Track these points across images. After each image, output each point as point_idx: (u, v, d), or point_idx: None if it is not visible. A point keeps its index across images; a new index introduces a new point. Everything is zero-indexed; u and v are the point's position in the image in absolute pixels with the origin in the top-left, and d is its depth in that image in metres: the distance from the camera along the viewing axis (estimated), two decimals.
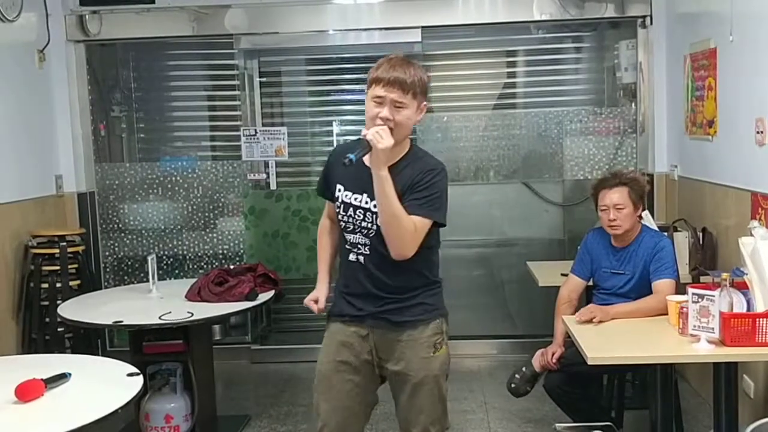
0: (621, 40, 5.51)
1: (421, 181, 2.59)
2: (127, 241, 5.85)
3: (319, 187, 2.86)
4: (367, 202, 2.63)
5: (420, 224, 2.56)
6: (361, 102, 5.78)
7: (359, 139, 2.54)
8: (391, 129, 2.51)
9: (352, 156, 2.44)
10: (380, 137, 2.46)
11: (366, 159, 2.57)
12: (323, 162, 2.89)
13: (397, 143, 2.55)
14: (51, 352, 4.69)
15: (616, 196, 3.59)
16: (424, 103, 2.64)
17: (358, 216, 2.65)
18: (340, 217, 2.71)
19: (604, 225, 3.66)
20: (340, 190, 2.69)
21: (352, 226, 2.67)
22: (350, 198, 2.67)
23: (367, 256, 2.67)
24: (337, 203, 2.70)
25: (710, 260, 4.32)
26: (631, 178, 3.66)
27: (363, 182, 2.61)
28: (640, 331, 3.18)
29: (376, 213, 2.61)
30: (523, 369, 3.78)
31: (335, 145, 2.92)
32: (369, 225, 2.64)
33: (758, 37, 3.70)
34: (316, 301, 2.83)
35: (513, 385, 3.80)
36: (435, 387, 2.72)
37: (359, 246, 2.68)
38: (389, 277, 2.66)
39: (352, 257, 2.70)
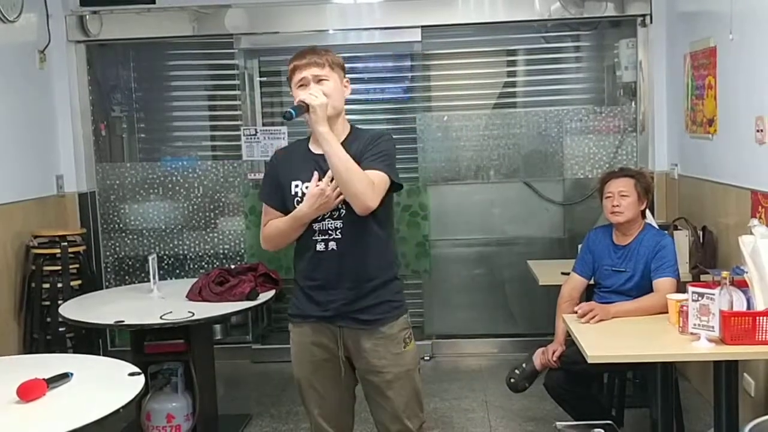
0: (621, 39, 5.51)
1: (369, 145, 2.66)
2: (128, 241, 5.86)
3: (267, 194, 2.80)
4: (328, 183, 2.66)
5: (377, 178, 2.59)
6: (362, 101, 5.86)
7: (294, 107, 2.59)
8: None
9: (291, 110, 2.55)
10: (314, 96, 2.57)
11: (312, 147, 2.71)
12: None
13: (333, 118, 2.63)
14: (52, 352, 4.69)
15: (621, 184, 3.63)
16: (346, 79, 2.75)
17: None
18: None
19: (606, 213, 3.67)
20: (297, 186, 2.70)
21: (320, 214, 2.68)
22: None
23: (339, 240, 2.67)
24: (297, 199, 2.69)
25: (710, 259, 4.32)
26: (638, 172, 3.77)
27: (318, 167, 2.66)
28: (641, 329, 3.19)
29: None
30: (524, 365, 3.79)
31: (274, 152, 2.94)
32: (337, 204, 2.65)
33: (758, 36, 3.70)
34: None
35: (512, 380, 3.81)
36: (408, 381, 2.77)
37: (330, 231, 2.68)
38: (363, 258, 2.68)
39: (320, 247, 2.70)
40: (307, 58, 2.67)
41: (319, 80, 2.65)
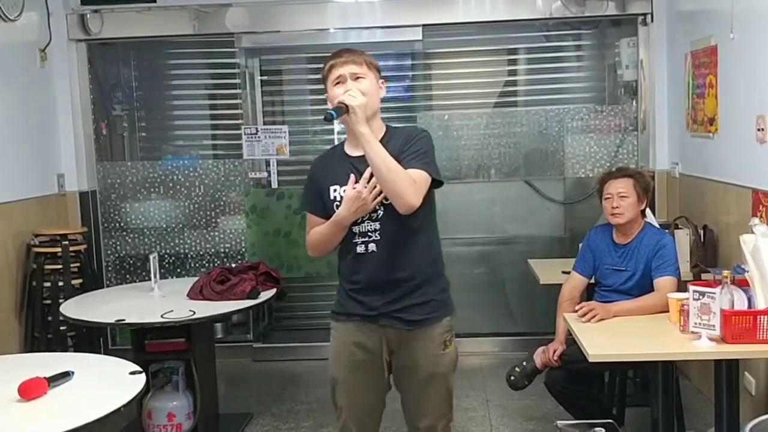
0: (622, 38, 5.51)
1: (407, 143, 2.64)
2: (129, 240, 5.86)
3: (308, 202, 2.79)
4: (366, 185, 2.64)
5: (418, 176, 2.58)
6: None
7: (332, 112, 2.56)
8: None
9: (332, 112, 2.52)
10: (353, 96, 2.54)
11: (348, 149, 2.70)
12: None
13: (370, 118, 2.59)
14: (53, 351, 4.70)
15: (621, 185, 3.62)
16: (381, 80, 2.73)
17: None
18: None
19: (606, 214, 3.66)
20: (335, 190, 2.69)
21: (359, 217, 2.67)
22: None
23: (378, 242, 2.66)
24: (336, 204, 2.67)
25: (711, 257, 4.32)
26: (637, 172, 3.76)
27: (354, 169, 2.65)
28: (641, 328, 3.19)
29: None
30: (524, 363, 3.79)
31: (313, 160, 2.93)
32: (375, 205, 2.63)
33: (759, 35, 3.70)
34: None
35: (512, 378, 3.81)
36: (444, 383, 2.78)
37: (369, 234, 2.66)
38: (403, 258, 2.66)
39: (361, 249, 2.68)
40: (344, 57, 2.67)
41: (356, 77, 2.64)
